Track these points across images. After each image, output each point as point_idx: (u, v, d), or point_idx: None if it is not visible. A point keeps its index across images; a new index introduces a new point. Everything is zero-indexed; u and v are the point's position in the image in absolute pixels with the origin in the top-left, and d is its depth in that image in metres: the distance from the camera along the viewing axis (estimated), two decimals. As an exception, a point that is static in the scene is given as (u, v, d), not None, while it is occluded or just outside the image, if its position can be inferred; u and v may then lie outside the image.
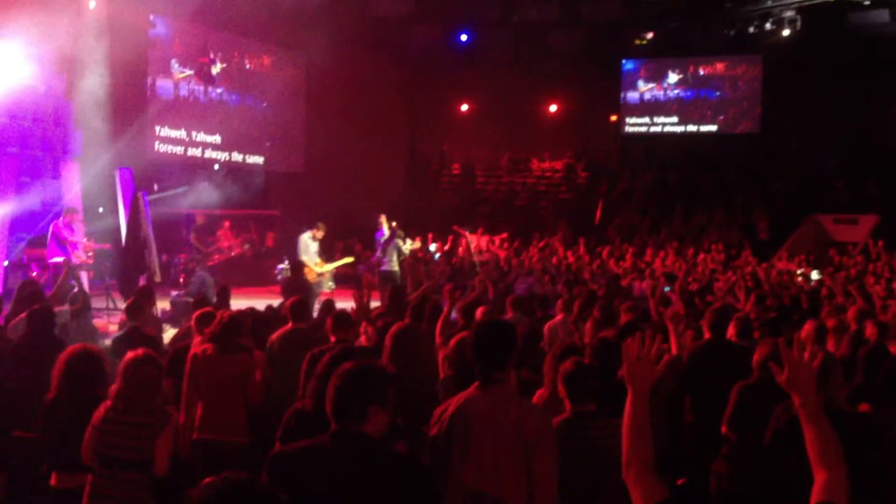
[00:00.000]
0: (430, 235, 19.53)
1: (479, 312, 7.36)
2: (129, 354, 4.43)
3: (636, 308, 8.71)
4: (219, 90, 19.54)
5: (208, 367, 5.55)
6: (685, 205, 22.24)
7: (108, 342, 7.49)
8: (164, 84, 18.31)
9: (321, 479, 3.01)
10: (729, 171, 23.28)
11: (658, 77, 24.90)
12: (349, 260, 14.97)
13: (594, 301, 9.31)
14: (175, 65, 18.32)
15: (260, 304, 9.14)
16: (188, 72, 18.31)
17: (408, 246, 14.98)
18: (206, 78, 17.53)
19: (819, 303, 10.91)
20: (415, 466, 3.30)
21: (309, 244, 13.97)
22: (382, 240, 14.99)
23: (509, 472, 3.43)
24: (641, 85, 24.94)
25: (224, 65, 18.08)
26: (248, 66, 20.26)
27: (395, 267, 14.63)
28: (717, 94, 24.31)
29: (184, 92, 18.47)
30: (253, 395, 5.62)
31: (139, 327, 7.01)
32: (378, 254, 14.82)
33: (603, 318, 7.98)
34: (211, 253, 17.18)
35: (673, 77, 24.74)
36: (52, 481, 4.61)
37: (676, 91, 24.75)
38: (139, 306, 7.69)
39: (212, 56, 17.95)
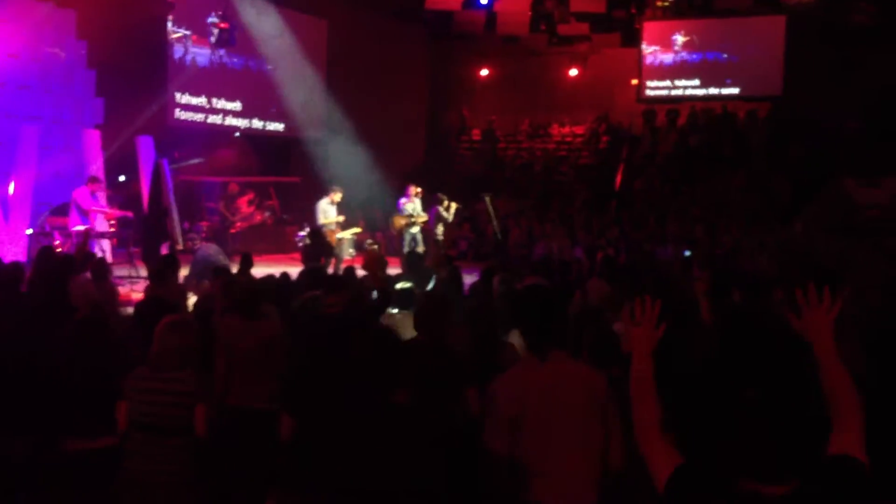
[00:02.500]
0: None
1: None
2: (166, 318, 4.49)
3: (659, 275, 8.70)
4: (235, 56, 19.40)
5: (233, 334, 5.59)
6: (706, 169, 22.05)
7: (130, 310, 7.55)
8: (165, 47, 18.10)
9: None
10: (751, 134, 23.03)
11: (663, 40, 24.47)
12: (357, 230, 15.08)
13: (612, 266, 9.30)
14: (169, 24, 18.00)
15: (280, 271, 9.17)
16: (181, 32, 18.05)
17: (451, 211, 15.04)
18: (225, 43, 17.40)
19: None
20: None
21: (327, 209, 14.02)
22: (407, 204, 15.06)
23: (589, 437, 3.45)
24: (645, 48, 24.49)
25: (234, 29, 17.71)
26: (266, 32, 20.16)
27: (440, 236, 14.81)
28: (727, 55, 23.87)
29: (179, 53, 18.16)
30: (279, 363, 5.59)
31: (162, 294, 7.06)
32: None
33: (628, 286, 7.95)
34: (234, 222, 17.30)
35: (679, 39, 24.30)
36: (65, 445, 4.66)
37: (683, 53, 24.30)
38: (164, 273, 7.77)
39: (230, 21, 17.79)
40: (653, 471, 2.53)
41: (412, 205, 15.21)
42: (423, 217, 15.16)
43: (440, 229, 14.95)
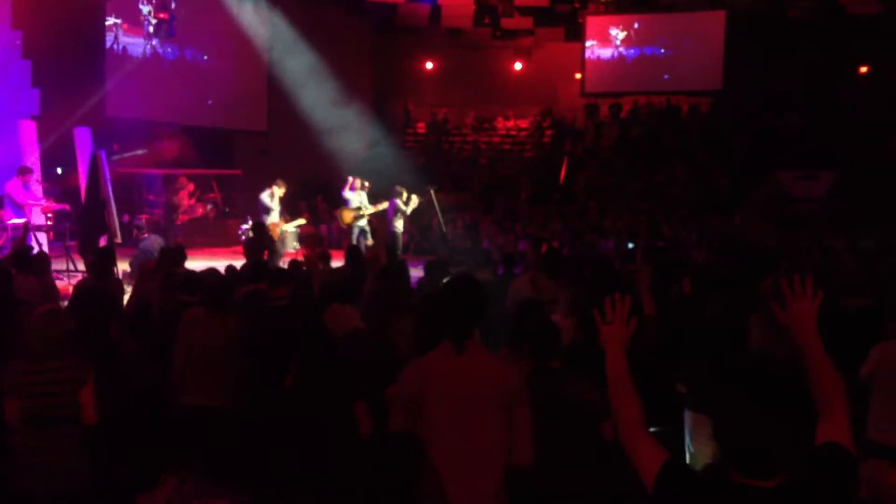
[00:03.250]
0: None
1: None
2: (39, 309, 4.43)
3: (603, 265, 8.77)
4: (169, 46, 18.98)
5: (201, 330, 5.45)
6: (648, 162, 22.32)
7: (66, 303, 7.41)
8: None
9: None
10: (692, 128, 23.36)
11: (605, 35, 24.64)
12: (301, 222, 14.94)
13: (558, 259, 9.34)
14: (111, 18, 17.62)
15: (222, 264, 9.07)
16: (111, 20, 17.65)
17: (412, 204, 14.89)
18: (164, 34, 17.10)
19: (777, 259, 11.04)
20: None
21: (268, 203, 13.92)
22: (353, 197, 14.97)
23: (490, 429, 3.45)
24: (588, 43, 24.62)
25: (174, 19, 17.33)
26: (209, 23, 19.87)
27: (400, 229, 14.70)
28: (668, 50, 24.16)
29: (108, 42, 17.77)
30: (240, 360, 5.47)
31: (98, 286, 6.94)
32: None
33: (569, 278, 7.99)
34: (180, 214, 17.06)
35: (620, 34, 24.51)
36: None
37: (623, 48, 24.52)
38: (104, 266, 7.64)
39: (170, 11, 17.45)
40: (640, 469, 2.51)
41: (359, 197, 15.10)
42: (371, 209, 15.06)
43: (399, 223, 14.85)
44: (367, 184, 15.29)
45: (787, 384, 2.28)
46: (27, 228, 10.91)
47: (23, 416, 4.24)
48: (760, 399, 2.26)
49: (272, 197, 13.92)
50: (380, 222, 15.48)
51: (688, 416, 5.33)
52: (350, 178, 15.46)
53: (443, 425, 3.45)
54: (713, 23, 23.47)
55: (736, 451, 2.27)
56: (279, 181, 14.08)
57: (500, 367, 3.59)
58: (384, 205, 14.97)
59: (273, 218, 13.79)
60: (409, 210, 14.88)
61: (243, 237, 15.36)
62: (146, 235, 13.58)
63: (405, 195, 14.82)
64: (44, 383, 4.26)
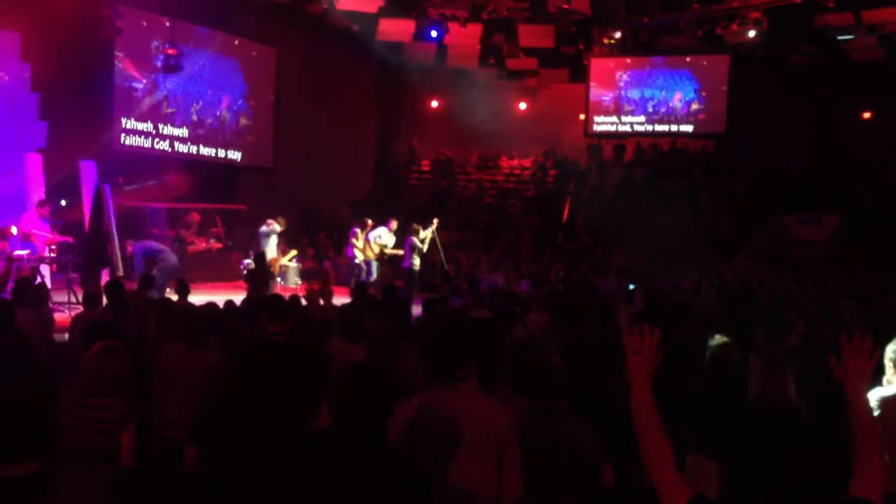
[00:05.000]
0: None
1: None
2: (100, 344, 4.43)
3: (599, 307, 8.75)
4: (171, 81, 19.10)
5: (178, 364, 5.47)
6: (651, 204, 22.31)
7: (66, 336, 7.41)
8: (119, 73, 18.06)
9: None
10: (695, 170, 23.42)
11: (609, 76, 24.81)
12: (293, 254, 14.98)
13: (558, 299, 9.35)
14: (119, 53, 17.95)
15: (223, 299, 9.06)
16: (118, 54, 17.93)
17: (427, 234, 14.94)
18: (172, 70, 17.20)
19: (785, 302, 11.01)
20: None
21: (266, 236, 14.01)
22: (383, 236, 15.02)
23: (477, 468, 3.43)
24: (592, 84, 24.80)
25: (182, 55, 17.48)
26: (215, 60, 20.06)
27: (417, 266, 14.71)
28: (672, 93, 24.29)
29: (122, 81, 18.03)
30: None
31: (110, 321, 6.94)
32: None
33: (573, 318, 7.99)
34: (187, 249, 17.10)
35: (624, 76, 24.67)
36: None
37: (626, 90, 24.64)
38: (125, 302, 7.63)
39: (178, 47, 17.60)
40: (664, 502, 2.50)
41: (390, 237, 15.19)
42: (394, 252, 15.15)
43: (417, 259, 14.88)
44: (415, 225, 15.31)
45: (817, 432, 2.28)
46: (11, 261, 10.91)
47: (64, 448, 4.22)
48: (793, 446, 2.24)
49: (270, 231, 13.98)
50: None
51: (688, 459, 5.28)
52: (390, 220, 15.56)
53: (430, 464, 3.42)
54: (717, 66, 23.62)
55: (775, 494, 2.23)
56: (280, 218, 14.14)
57: (492, 409, 3.56)
58: (430, 232, 15.07)
59: (271, 252, 13.84)
60: (424, 247, 14.94)
61: (245, 271, 15.38)
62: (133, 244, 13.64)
63: (421, 233, 14.89)
64: (87, 418, 4.24)
